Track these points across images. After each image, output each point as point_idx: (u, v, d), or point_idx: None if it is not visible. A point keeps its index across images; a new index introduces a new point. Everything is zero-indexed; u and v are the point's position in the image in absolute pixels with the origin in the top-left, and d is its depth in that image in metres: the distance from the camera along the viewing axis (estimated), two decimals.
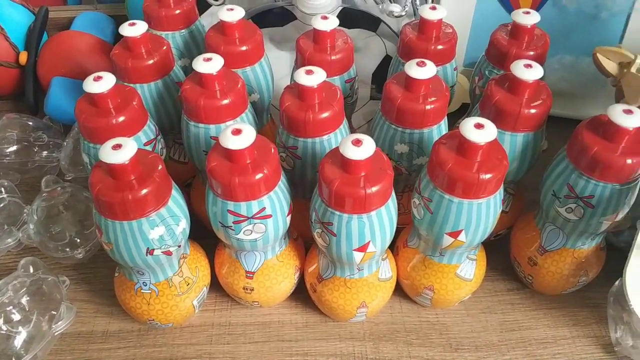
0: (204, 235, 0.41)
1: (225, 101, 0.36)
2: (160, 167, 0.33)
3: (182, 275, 0.38)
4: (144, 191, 0.32)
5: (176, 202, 0.35)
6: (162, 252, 0.34)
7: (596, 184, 0.34)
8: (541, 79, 0.35)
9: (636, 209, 0.38)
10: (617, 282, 0.40)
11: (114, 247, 0.34)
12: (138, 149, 0.32)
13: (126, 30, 0.39)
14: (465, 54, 0.54)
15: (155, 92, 0.41)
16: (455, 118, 0.50)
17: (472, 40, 0.53)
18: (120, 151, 0.31)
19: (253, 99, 0.43)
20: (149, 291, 0.38)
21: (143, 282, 0.38)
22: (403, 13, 0.44)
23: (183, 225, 0.35)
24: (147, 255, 0.34)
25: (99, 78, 0.35)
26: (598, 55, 0.41)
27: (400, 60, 0.42)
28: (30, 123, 0.51)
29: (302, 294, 0.42)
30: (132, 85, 0.40)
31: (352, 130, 0.49)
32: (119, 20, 0.63)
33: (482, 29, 0.52)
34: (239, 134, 0.32)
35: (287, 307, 0.43)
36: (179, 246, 0.36)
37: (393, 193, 0.34)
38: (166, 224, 0.34)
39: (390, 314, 0.42)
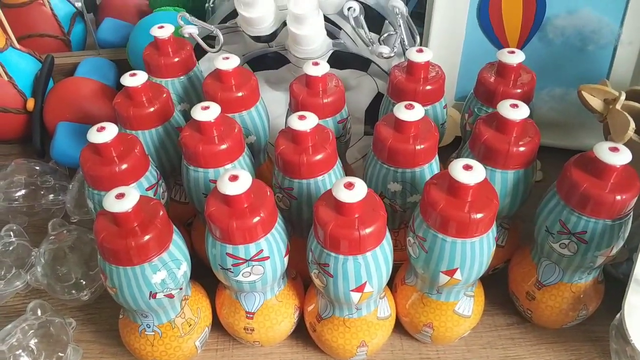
0: (205, 274, 0.41)
1: (223, 146, 0.38)
2: (161, 213, 0.34)
3: (184, 317, 0.39)
4: (147, 237, 0.33)
5: (177, 246, 0.36)
6: (164, 295, 0.35)
7: (588, 220, 0.34)
8: (530, 114, 0.36)
9: (632, 241, 0.39)
10: (618, 315, 0.40)
11: (118, 291, 0.34)
12: (140, 196, 0.33)
13: (127, 80, 0.41)
14: (457, 87, 0.55)
15: (156, 138, 0.43)
16: (449, 150, 0.51)
17: (462, 74, 0.54)
18: (123, 200, 0.32)
19: (250, 141, 0.44)
20: (153, 333, 0.38)
21: (147, 324, 0.38)
22: (392, 54, 0.46)
23: (184, 268, 0.36)
24: (150, 298, 0.35)
25: (102, 128, 0.37)
26: (583, 92, 0.42)
27: (390, 100, 0.43)
28: (38, 167, 0.52)
29: (302, 333, 0.42)
30: (134, 132, 0.42)
31: (347, 166, 0.51)
32: (121, 64, 0.65)
33: (472, 63, 0.53)
34: (236, 180, 0.33)
35: (288, 346, 0.43)
36: (181, 288, 0.36)
37: (388, 233, 0.34)
38: (168, 268, 0.35)
39: (391, 352, 0.42)
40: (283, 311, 0.40)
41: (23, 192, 0.52)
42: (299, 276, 0.43)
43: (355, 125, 0.52)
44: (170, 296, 0.36)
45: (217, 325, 0.43)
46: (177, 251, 0.35)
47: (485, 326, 0.43)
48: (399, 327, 0.42)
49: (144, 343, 0.39)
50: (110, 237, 0.33)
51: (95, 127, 0.37)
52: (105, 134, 0.37)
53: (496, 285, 0.44)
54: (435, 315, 0.39)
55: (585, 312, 0.40)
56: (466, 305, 0.39)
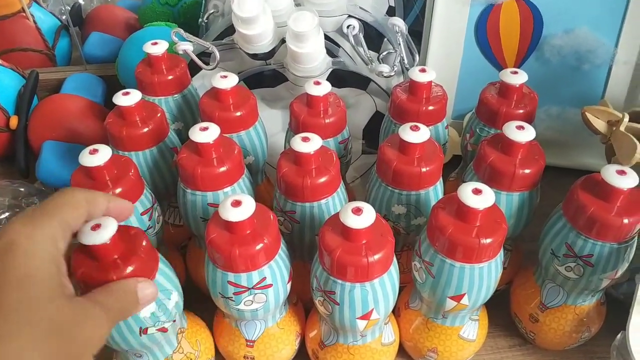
0: (201, 300, 0.40)
1: (223, 169, 0.36)
2: (144, 242, 0.31)
3: (182, 351, 0.37)
4: (129, 269, 0.29)
5: (165, 276, 0.33)
6: (157, 329, 0.33)
7: (594, 243, 0.34)
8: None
9: (634, 262, 0.38)
10: (619, 336, 0.39)
11: None
12: (119, 226, 0.30)
13: (120, 99, 0.39)
14: (454, 106, 0.55)
15: (150, 159, 0.41)
16: (447, 169, 0.51)
17: (460, 94, 0.54)
18: (100, 231, 0.29)
19: (248, 162, 0.43)
20: None
21: None
22: (392, 73, 0.45)
23: (175, 298, 0.34)
24: (141, 334, 0.32)
25: (94, 151, 0.35)
26: (587, 114, 0.42)
27: (392, 120, 0.43)
28: (22, 189, 0.50)
29: (302, 359, 0.41)
30: (126, 153, 0.40)
31: (346, 186, 0.50)
32: (109, 80, 0.63)
33: (469, 81, 0.54)
34: (239, 206, 0.32)
35: None
36: (174, 321, 0.34)
37: (395, 259, 0.34)
38: (157, 299, 0.32)
39: None
40: (284, 338, 0.39)
41: (7, 215, 0.49)
42: (300, 301, 0.42)
43: (353, 144, 0.52)
44: (164, 330, 0.33)
45: (216, 353, 0.41)
46: (166, 280, 0.33)
47: (487, 349, 0.43)
48: (402, 352, 0.41)
49: None
50: (89, 272, 0.29)
51: (87, 150, 0.35)
52: (98, 156, 0.35)
53: (497, 307, 0.43)
54: (440, 340, 0.38)
55: (587, 334, 0.40)
56: (471, 330, 0.39)
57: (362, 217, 0.31)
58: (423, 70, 0.41)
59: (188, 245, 0.46)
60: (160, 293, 0.32)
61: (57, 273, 0.26)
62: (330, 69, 0.46)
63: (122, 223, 0.31)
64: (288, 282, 0.36)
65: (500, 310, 0.44)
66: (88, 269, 0.30)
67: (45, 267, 0.26)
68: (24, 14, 0.65)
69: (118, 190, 0.35)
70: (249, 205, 0.32)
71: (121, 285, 0.29)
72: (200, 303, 0.41)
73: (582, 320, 0.39)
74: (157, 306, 0.32)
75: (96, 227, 0.29)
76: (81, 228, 0.29)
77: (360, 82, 0.49)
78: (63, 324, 0.25)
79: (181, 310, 0.35)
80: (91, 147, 0.35)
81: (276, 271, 0.34)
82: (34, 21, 0.66)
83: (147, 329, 0.32)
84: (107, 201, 0.30)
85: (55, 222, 0.27)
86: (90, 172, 0.35)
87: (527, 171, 0.36)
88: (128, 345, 0.33)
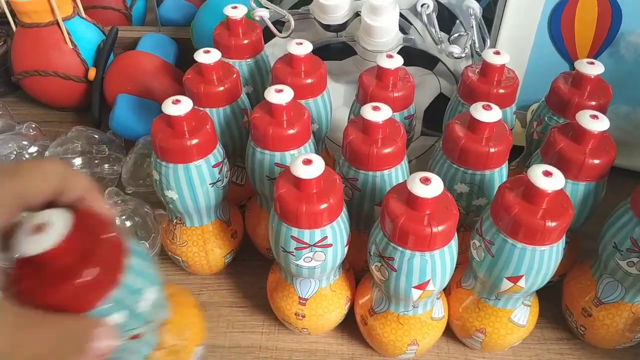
0: (254, 258, 0.41)
1: (292, 131, 0.38)
2: (108, 235, 0.24)
3: (164, 346, 0.31)
4: (85, 278, 0.22)
5: (136, 272, 0.24)
6: (127, 338, 0.25)
7: None
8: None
9: None
10: None
11: None
12: (75, 215, 0.23)
13: (201, 57, 0.41)
14: (519, 96, 0.54)
15: (223, 117, 0.43)
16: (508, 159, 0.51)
17: (526, 85, 0.54)
18: (42, 234, 0.21)
19: (313, 129, 0.44)
20: None
21: None
22: (463, 55, 0.45)
23: (151, 297, 0.26)
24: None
25: (177, 101, 0.37)
26: None
27: (459, 101, 0.43)
28: (96, 136, 0.53)
29: (348, 325, 0.42)
30: (201, 108, 0.42)
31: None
32: (180, 43, 0.66)
33: (537, 73, 0.53)
34: (309, 164, 0.33)
35: (333, 337, 0.43)
36: (151, 321, 0.27)
37: (456, 234, 0.34)
38: (123, 306, 0.24)
39: (437, 354, 0.42)
40: (335, 301, 0.40)
41: (79, 159, 0.52)
42: (352, 269, 0.43)
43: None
44: (137, 337, 0.26)
45: (262, 307, 0.43)
46: (138, 278, 0.25)
47: (534, 338, 0.43)
48: (446, 331, 0.42)
49: None
50: (30, 287, 0.22)
51: (170, 100, 0.37)
52: (180, 107, 0.37)
53: (548, 299, 0.43)
54: (489, 321, 0.38)
55: None
56: (522, 315, 0.39)
57: (430, 187, 0.31)
58: (497, 53, 0.41)
59: (247, 204, 0.48)
60: (130, 296, 0.24)
61: None
62: (400, 46, 0.47)
63: None
64: (346, 245, 0.37)
65: (550, 303, 0.43)
66: (29, 282, 0.22)
67: None
68: None
69: (195, 141, 0.37)
70: (318, 165, 0.33)
71: (75, 323, 0.22)
72: (252, 260, 0.42)
73: (638, 319, 0.38)
74: (126, 314, 0.24)
75: (38, 229, 0.21)
76: (20, 230, 0.22)
77: (428, 61, 0.49)
78: None
79: (159, 305, 0.27)
80: (174, 98, 0.37)
81: (337, 232, 0.35)
82: None
83: None
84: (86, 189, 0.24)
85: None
86: (171, 121, 0.37)
87: (596, 161, 0.36)
88: None
